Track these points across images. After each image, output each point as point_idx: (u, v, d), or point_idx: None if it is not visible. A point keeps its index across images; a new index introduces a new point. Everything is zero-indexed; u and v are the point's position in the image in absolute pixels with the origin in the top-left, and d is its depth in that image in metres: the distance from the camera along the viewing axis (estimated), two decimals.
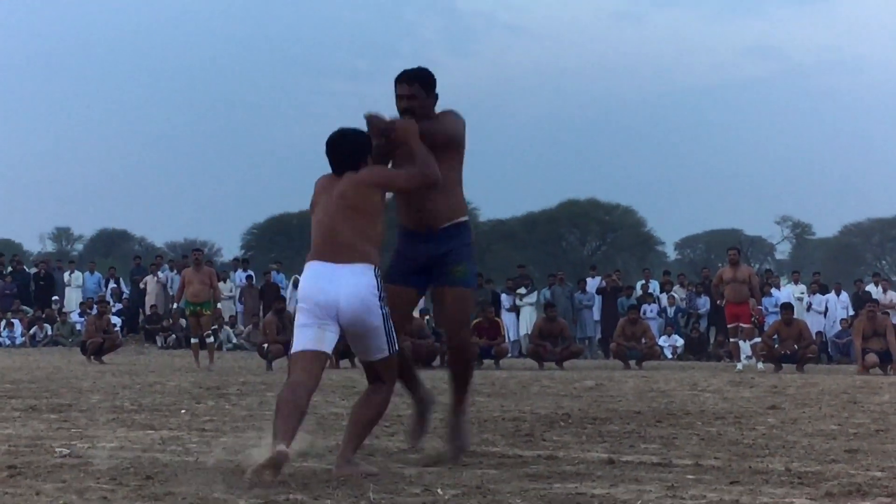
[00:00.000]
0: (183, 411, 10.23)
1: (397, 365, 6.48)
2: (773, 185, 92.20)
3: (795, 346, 20.62)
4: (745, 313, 20.65)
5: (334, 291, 6.12)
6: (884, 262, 62.26)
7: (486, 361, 21.66)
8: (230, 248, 61.72)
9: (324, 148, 6.45)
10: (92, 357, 21.65)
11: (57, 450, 7.11)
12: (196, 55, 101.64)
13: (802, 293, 29.25)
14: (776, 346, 20.79)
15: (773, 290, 28.16)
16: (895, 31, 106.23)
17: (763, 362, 20.52)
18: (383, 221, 6.35)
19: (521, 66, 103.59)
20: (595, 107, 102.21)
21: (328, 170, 6.49)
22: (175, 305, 22.51)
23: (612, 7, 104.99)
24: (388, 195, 6.50)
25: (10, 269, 33.30)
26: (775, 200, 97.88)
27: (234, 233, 67.56)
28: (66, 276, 33.10)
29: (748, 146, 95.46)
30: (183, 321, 25.46)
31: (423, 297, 27.69)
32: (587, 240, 62.90)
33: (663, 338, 27.44)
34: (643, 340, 22.45)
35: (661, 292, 29.99)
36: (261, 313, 27.97)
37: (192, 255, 21.44)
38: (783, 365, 20.40)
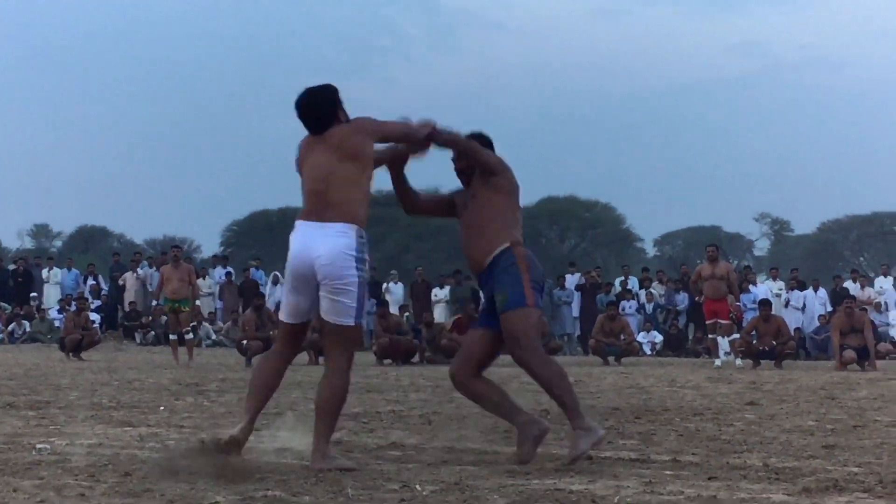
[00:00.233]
0: (161, 408, 10.22)
1: (479, 392, 6.65)
2: (752, 182, 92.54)
3: (773, 342, 20.68)
4: (723, 310, 20.69)
5: (315, 252, 6.16)
6: (862, 258, 62.40)
7: None
8: (210, 245, 61.46)
9: (295, 112, 6.46)
10: (70, 354, 21.59)
11: (35, 447, 7.10)
12: (175, 52, 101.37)
13: (781, 289, 29.35)
14: (754, 342, 20.83)
15: (752, 287, 28.26)
16: (876, 29, 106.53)
17: (741, 358, 20.57)
18: (372, 176, 6.39)
19: (503, 63, 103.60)
20: (575, 104, 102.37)
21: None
22: (154, 302, 22.44)
23: (595, 4, 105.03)
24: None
25: None
26: (754, 197, 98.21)
27: (214, 229, 67.34)
28: (44, 272, 32.96)
29: (727, 143, 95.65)
30: (163, 318, 25.39)
31: (404, 293, 27.25)
32: (566, 237, 62.94)
33: (642, 334, 27.51)
34: (622, 337, 22.49)
35: (639, 289, 30.06)
36: (240, 310, 27.91)
37: (171, 252, 21.40)
38: (761, 361, 20.46)
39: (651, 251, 66.29)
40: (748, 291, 27.15)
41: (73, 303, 24.91)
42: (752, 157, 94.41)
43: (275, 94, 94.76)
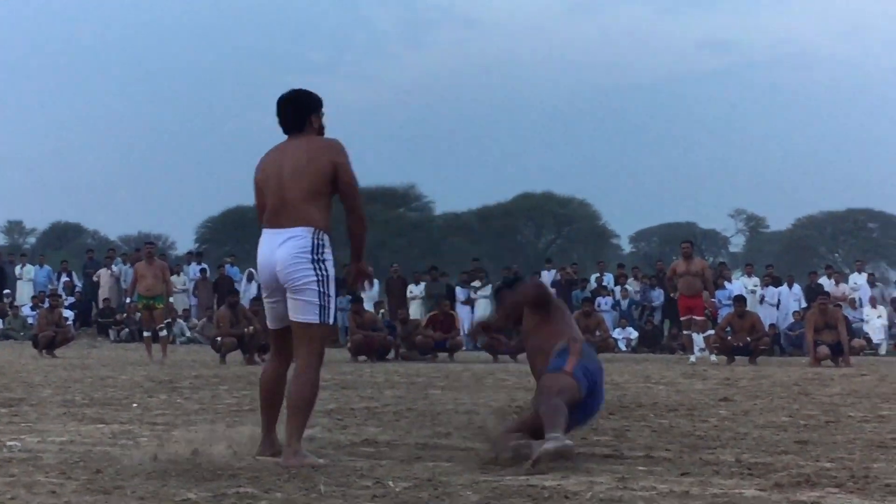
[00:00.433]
0: (134, 405, 10.18)
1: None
2: (727, 178, 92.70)
3: (748, 338, 20.75)
4: (698, 306, 20.76)
5: (273, 258, 6.38)
6: (836, 254, 62.64)
7: (441, 354, 21.70)
8: (184, 242, 61.27)
9: (276, 107, 6.67)
10: (44, 351, 21.49)
11: (7, 444, 7.06)
12: (148, 48, 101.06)
13: (755, 286, 29.43)
14: (729, 338, 20.89)
15: (727, 283, 28.34)
16: (846, 27, 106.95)
17: (716, 354, 20.63)
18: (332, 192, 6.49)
19: (478, 59, 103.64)
20: (550, 100, 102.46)
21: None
22: (128, 299, 22.37)
23: (569, 0, 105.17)
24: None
25: None
26: (730, 194, 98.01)
27: (189, 226, 67.19)
28: (17, 269, 32.85)
29: (702, 140, 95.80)
30: (137, 315, 25.31)
31: (379, 289, 27.12)
32: (542, 233, 62.98)
33: (618, 330, 27.57)
34: (597, 333, 22.49)
35: (615, 285, 30.13)
36: (215, 306, 27.85)
37: (145, 249, 21.35)
38: (736, 357, 20.53)
39: (627, 247, 66.46)
40: (723, 288, 27.25)
41: (47, 300, 24.79)
42: (728, 153, 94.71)
43: (250, 90, 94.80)
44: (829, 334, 20.16)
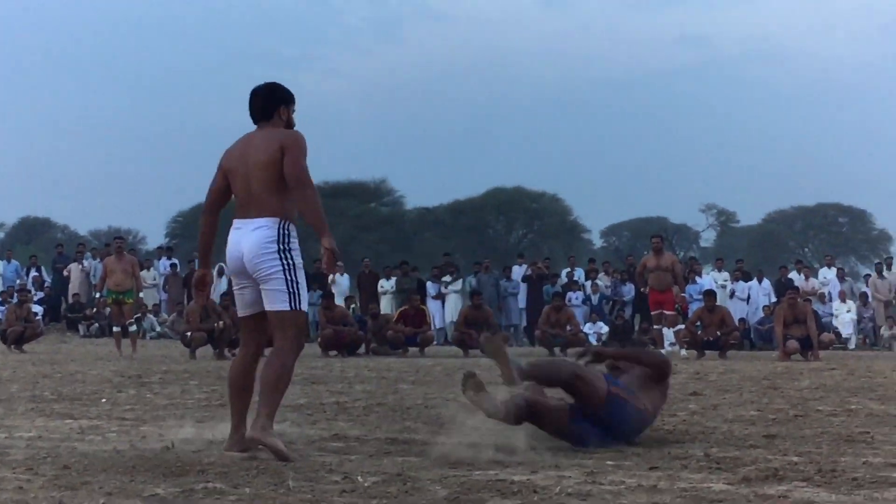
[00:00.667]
0: (103, 400, 10.15)
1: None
2: (698, 173, 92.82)
3: (718, 332, 20.82)
4: (668, 301, 20.83)
5: (241, 249, 6.53)
6: (806, 249, 62.92)
7: (412, 349, 21.69)
8: (155, 236, 61.02)
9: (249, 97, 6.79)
10: (12, 346, 21.42)
11: None
12: (118, 40, 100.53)
13: (726, 280, 29.51)
14: (699, 332, 20.96)
15: (697, 278, 28.44)
16: (818, 23, 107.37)
17: (686, 349, 20.71)
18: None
19: (449, 53, 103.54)
20: (522, 94, 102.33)
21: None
22: (98, 294, 22.27)
23: None
24: None
25: None
26: (700, 188, 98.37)
27: (159, 220, 66.76)
28: None
29: (673, 134, 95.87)
30: (106, 310, 25.20)
31: (350, 284, 27.11)
32: (513, 227, 62.98)
33: (588, 325, 27.57)
34: (568, 328, 22.57)
35: (586, 280, 30.15)
36: (185, 301, 27.77)
37: (114, 244, 21.28)
38: (706, 351, 20.60)
39: (598, 242, 66.49)
40: (693, 282, 27.35)
41: (16, 294, 24.67)
42: (698, 148, 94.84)
43: (220, 84, 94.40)
44: (798, 329, 20.23)
